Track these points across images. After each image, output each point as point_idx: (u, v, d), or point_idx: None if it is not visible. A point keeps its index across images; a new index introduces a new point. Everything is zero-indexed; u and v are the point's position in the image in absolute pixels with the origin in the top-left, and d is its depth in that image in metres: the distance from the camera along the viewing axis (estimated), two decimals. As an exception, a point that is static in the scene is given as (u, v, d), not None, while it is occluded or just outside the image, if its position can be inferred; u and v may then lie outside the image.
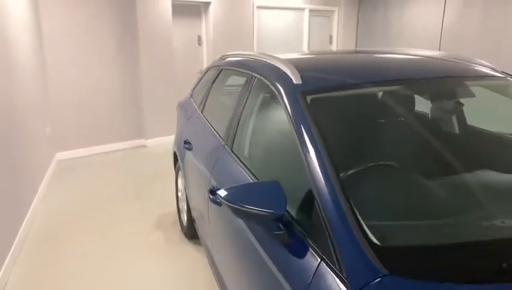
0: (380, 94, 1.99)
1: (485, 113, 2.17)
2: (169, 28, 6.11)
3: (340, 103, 1.87)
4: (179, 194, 3.57)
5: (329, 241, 1.20)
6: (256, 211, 1.36)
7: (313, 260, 1.25)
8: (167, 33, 6.09)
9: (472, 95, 2.08)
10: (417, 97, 2.07)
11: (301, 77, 1.80)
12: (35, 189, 4.05)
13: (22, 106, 3.80)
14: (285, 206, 1.35)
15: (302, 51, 7.85)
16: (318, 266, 1.21)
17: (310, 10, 8.01)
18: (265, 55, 2.22)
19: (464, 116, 2.14)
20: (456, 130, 2.05)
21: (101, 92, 5.75)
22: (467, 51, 7.00)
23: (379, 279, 1.05)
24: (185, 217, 3.35)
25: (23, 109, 3.83)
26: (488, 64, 2.23)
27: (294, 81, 1.78)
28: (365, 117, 1.93)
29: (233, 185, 1.49)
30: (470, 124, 2.13)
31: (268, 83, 1.96)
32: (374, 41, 8.44)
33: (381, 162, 1.58)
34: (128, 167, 5.24)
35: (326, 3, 8.22)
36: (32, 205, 3.80)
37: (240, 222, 1.74)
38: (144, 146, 6.20)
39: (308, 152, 1.45)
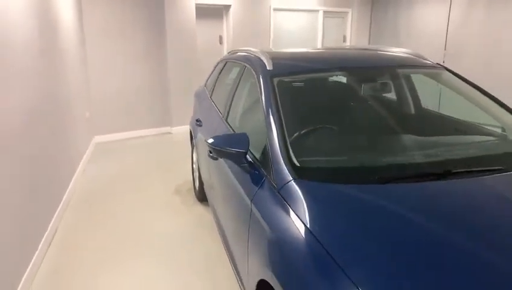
0: (329, 78, 2.67)
1: (422, 92, 2.83)
2: (193, 28, 6.89)
3: (297, 83, 2.56)
4: (194, 166, 4.31)
5: (270, 167, 1.89)
6: (230, 151, 2.06)
7: (261, 177, 1.94)
8: (191, 33, 6.87)
9: (406, 79, 2.74)
10: (361, 81, 2.72)
11: (273, 65, 2.49)
12: (77, 162, 4.89)
13: (67, 93, 4.64)
14: (248, 147, 2.04)
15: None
16: (263, 180, 1.90)
17: (324, 12, 8.61)
18: (254, 50, 2.91)
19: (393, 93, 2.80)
20: (390, 104, 2.69)
21: (134, 85, 6.59)
22: (470, 49, 7.45)
23: (291, 181, 1.73)
24: (197, 184, 4.09)
25: (68, 95, 4.67)
26: (429, 59, 2.84)
27: (268, 68, 2.47)
28: (315, 94, 2.61)
29: (217, 135, 2.20)
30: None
31: (252, 70, 2.65)
32: (385, 41, 8.95)
33: (320, 125, 2.26)
34: (155, 150, 6.05)
35: (340, 5, 8.80)
36: (75, 175, 4.64)
37: (225, 166, 2.45)
38: (169, 133, 7.01)
39: (269, 115, 2.13)
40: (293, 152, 1.90)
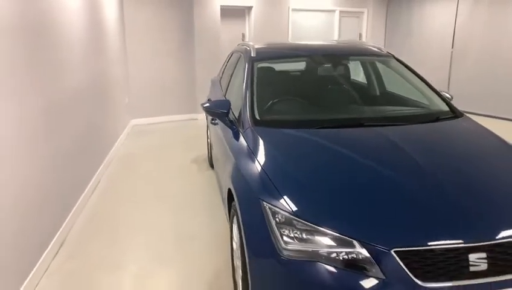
0: (301, 63, 3.52)
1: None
2: (218, 27, 7.84)
3: (273, 67, 3.43)
4: (208, 140, 5.24)
5: (241, 120, 2.77)
6: (217, 111, 2.95)
7: (236, 128, 2.82)
8: (216, 31, 7.83)
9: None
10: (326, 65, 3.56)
11: (256, 53, 3.36)
12: (117, 135, 5.96)
13: (108, 80, 5.70)
14: (229, 108, 2.93)
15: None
16: (238, 133, 2.78)
17: (341, 11, 9.33)
18: (248, 44, 3.78)
19: (349, 74, 3.60)
20: (343, 83, 3.51)
21: (166, 76, 7.62)
22: (476, 45, 7.99)
23: (250, 127, 2.60)
24: (209, 154, 5.02)
25: (109, 82, 5.73)
26: (382, 48, 3.62)
27: (252, 55, 3.35)
28: (283, 74, 3.47)
29: (209, 101, 3.11)
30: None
31: (243, 57, 3.54)
32: (400, 39, 9.54)
33: (281, 95, 3.12)
34: (181, 132, 7.06)
35: (356, 5, 9.48)
36: (115, 144, 5.69)
37: (219, 129, 3.36)
38: (195, 119, 8.01)
39: (245, 87, 3.00)
40: (256, 110, 2.78)
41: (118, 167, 5.15)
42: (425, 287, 1.67)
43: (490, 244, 1.74)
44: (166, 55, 7.57)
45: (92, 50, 4.64)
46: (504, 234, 1.78)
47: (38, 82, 2.91)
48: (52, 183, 3.13)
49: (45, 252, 2.89)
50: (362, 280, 1.71)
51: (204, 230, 3.45)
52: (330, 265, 1.75)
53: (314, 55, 3.46)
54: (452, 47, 8.43)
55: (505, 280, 1.72)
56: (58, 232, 3.20)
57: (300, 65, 3.64)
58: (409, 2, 9.28)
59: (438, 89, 3.20)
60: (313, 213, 1.86)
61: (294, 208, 1.88)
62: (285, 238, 1.84)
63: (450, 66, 8.52)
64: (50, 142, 3.11)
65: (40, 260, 2.80)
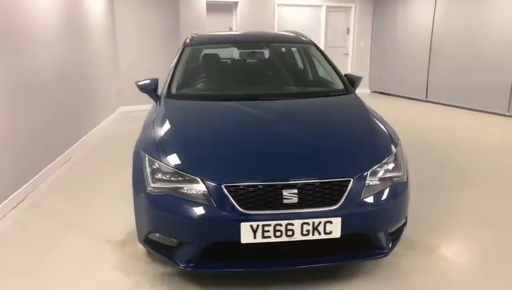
0: (231, 49, 4.03)
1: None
2: (204, 21, 8.37)
3: (202, 51, 3.94)
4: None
5: (161, 94, 3.29)
6: (147, 88, 3.45)
7: (157, 104, 3.35)
8: (201, 25, 8.36)
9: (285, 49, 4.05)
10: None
11: (191, 40, 3.88)
12: (100, 119, 6.58)
13: (93, 69, 6.32)
14: (156, 85, 3.44)
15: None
16: (156, 105, 3.30)
17: (327, 7, 9.70)
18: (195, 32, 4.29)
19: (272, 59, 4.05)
20: (262, 66, 3.98)
21: (154, 67, 8.21)
22: (452, 40, 8.27)
23: (165, 98, 3.13)
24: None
25: (94, 71, 6.35)
26: (306, 36, 4.07)
27: (188, 41, 3.86)
28: (212, 57, 3.98)
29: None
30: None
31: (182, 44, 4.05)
32: (386, 33, 9.86)
33: (208, 76, 3.63)
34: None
35: (344, 0, 9.82)
36: (96, 127, 6.31)
37: None
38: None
39: (172, 68, 3.52)
40: (174, 86, 3.31)
41: (95, 147, 5.76)
42: (247, 214, 2.16)
43: (300, 182, 2.22)
44: (154, 47, 8.16)
45: (68, 40, 5.25)
46: (312, 175, 2.26)
47: (3, 63, 3.51)
48: (17, 147, 3.73)
49: (3, 203, 3.50)
50: (200, 207, 2.21)
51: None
52: (179, 197, 2.26)
53: (240, 41, 3.96)
54: (431, 41, 8.71)
55: (311, 212, 2.20)
56: (20, 189, 3.79)
57: (230, 51, 4.15)
58: (393, -2, 9.58)
59: (347, 72, 3.70)
60: (174, 159, 2.38)
61: (163, 156, 2.41)
62: (154, 179, 2.36)
63: (429, 59, 8.80)
64: (19, 114, 3.72)
65: (-3, 208, 3.41)
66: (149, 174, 2.38)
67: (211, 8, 8.63)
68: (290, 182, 2.21)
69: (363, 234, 2.33)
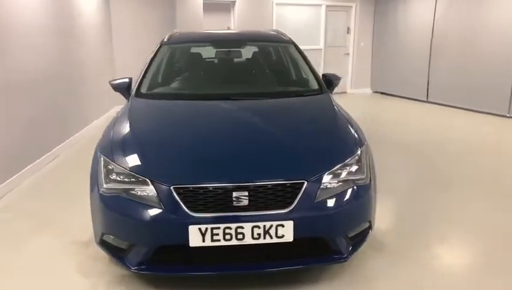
0: (208, 48, 3.98)
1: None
2: (200, 20, 8.34)
3: (177, 49, 3.89)
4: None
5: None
6: (120, 87, 3.42)
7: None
8: (198, 24, 8.34)
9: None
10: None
11: (168, 38, 3.84)
12: (92, 118, 6.60)
13: (84, 70, 6.34)
14: (130, 85, 3.39)
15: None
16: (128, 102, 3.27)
17: (327, 6, 9.59)
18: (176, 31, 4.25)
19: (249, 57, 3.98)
20: (238, 65, 3.92)
21: (150, 66, 8.23)
22: (452, 39, 8.11)
23: (132, 98, 3.09)
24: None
25: (86, 71, 6.36)
26: (287, 36, 4.00)
27: (165, 40, 3.82)
28: (188, 56, 3.93)
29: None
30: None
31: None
32: (387, 32, 9.70)
33: (182, 74, 3.58)
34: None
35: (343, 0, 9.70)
36: (86, 128, 6.32)
37: None
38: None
39: (145, 66, 3.48)
40: (145, 84, 3.28)
41: (83, 146, 5.74)
42: (195, 217, 2.11)
43: (252, 185, 2.15)
44: (150, 47, 8.10)
45: (57, 40, 5.26)
46: (264, 177, 2.19)
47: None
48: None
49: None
50: (149, 209, 2.16)
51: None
52: (130, 199, 2.22)
53: (216, 40, 3.91)
54: (431, 41, 8.55)
55: (262, 215, 2.13)
56: (-1, 187, 3.80)
57: (207, 49, 4.09)
58: (394, -3, 9.42)
59: (328, 72, 3.65)
60: (127, 160, 2.33)
61: (116, 157, 2.37)
62: (108, 180, 2.32)
63: (430, 59, 8.64)
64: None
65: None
66: (103, 175, 2.35)
67: (208, 7, 8.60)
68: (241, 184, 2.15)
69: (319, 238, 2.26)
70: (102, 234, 2.37)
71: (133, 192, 2.22)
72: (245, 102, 3.02)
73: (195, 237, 2.10)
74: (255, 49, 4.04)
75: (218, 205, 2.13)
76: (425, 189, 3.98)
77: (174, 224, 2.13)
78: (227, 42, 3.91)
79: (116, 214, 2.24)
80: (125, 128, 2.64)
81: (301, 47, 8.60)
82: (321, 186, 2.23)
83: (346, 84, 10.38)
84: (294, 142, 2.49)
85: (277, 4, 9.10)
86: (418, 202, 3.67)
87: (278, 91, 3.37)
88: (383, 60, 9.99)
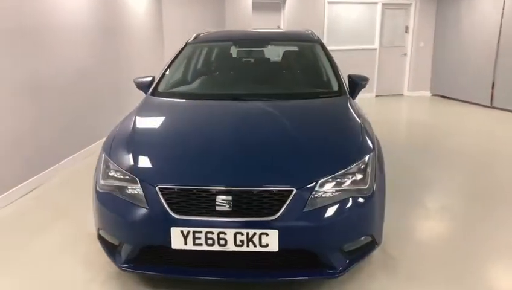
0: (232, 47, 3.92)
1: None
2: (249, 19, 8.34)
3: (202, 49, 3.87)
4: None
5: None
6: (141, 85, 3.46)
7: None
8: (247, 23, 8.34)
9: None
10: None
11: (194, 38, 3.84)
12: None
13: (136, 69, 6.59)
14: (152, 82, 3.41)
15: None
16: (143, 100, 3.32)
17: (384, 4, 9.14)
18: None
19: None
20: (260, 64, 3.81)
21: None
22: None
23: (147, 97, 3.12)
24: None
25: (138, 70, 6.61)
26: (315, 35, 3.84)
27: (190, 40, 3.84)
28: (210, 56, 3.89)
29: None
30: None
31: None
32: (449, 32, 9.04)
33: (202, 74, 3.56)
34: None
35: (402, -3, 9.19)
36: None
37: None
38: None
39: (167, 65, 3.50)
40: (162, 84, 3.29)
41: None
42: (178, 219, 2.06)
43: (236, 189, 2.06)
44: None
45: (101, 39, 5.51)
46: (249, 182, 2.09)
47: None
48: (37, 138, 3.99)
49: (15, 188, 3.75)
50: (135, 208, 2.16)
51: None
52: (120, 196, 2.23)
53: (240, 40, 3.84)
54: (498, 42, 7.82)
55: (245, 221, 2.03)
56: (27, 181, 4.00)
57: (230, 49, 4.03)
58: (458, -7, 8.75)
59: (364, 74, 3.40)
60: (121, 158, 2.35)
61: (114, 155, 2.40)
62: (106, 177, 2.35)
63: (495, 61, 7.90)
64: (42, 107, 3.99)
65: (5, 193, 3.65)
66: (102, 172, 2.38)
67: (258, 7, 8.58)
68: (224, 188, 2.07)
69: (308, 250, 2.12)
70: (98, 229, 2.41)
71: (124, 190, 2.23)
72: (254, 103, 2.93)
73: (177, 239, 2.06)
74: (279, 48, 3.93)
75: (201, 208, 2.07)
76: (487, 209, 3.48)
77: (157, 225, 2.10)
78: (251, 42, 3.84)
79: (107, 210, 2.26)
80: (129, 126, 2.66)
81: (353, 47, 8.59)
82: (312, 195, 2.08)
83: (402, 86, 9.86)
84: (291, 147, 2.36)
85: (329, 2, 8.84)
86: (472, 222, 3.26)
87: (292, 93, 3.21)
88: (444, 61, 9.33)
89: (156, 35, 7.63)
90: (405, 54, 9.65)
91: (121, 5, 6.07)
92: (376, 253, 2.54)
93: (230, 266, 2.17)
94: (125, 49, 6.29)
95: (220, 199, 2.05)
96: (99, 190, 2.32)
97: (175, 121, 2.72)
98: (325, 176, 2.13)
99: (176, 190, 2.10)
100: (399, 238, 2.93)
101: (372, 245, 2.31)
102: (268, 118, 2.75)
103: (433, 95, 9.79)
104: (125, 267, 2.24)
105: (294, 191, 2.05)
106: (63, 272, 2.65)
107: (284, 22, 8.83)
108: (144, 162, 2.30)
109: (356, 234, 2.21)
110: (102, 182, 2.34)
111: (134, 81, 3.55)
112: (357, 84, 3.29)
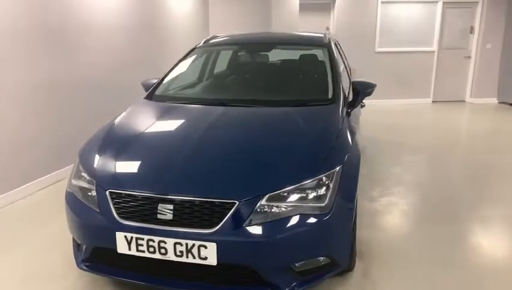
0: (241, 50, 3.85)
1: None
2: (296, 21, 8.19)
3: (207, 53, 3.85)
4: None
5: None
6: (147, 86, 3.56)
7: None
8: (293, 24, 8.20)
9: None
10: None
11: (205, 41, 3.85)
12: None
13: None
14: (155, 85, 3.49)
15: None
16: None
17: (445, 2, 8.47)
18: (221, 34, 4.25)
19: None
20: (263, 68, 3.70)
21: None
22: None
23: (141, 100, 3.19)
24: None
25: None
26: (327, 38, 3.65)
27: (201, 43, 3.85)
28: (214, 60, 3.84)
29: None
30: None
31: None
32: (520, 32, 8.16)
33: (204, 77, 3.55)
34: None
35: (467, -4, 8.46)
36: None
37: None
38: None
39: (170, 68, 3.55)
40: (161, 88, 3.33)
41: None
42: (121, 224, 2.07)
43: (177, 198, 2.01)
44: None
45: (140, 39, 5.74)
46: (191, 192, 2.03)
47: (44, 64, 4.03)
48: (69, 131, 4.28)
49: (33, 181, 4.04)
50: (87, 209, 2.20)
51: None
52: (78, 197, 2.29)
53: (245, 44, 3.76)
54: None
55: (185, 232, 1.98)
56: (48, 175, 4.26)
57: (234, 54, 3.94)
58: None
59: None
60: (86, 160, 2.41)
61: (82, 156, 2.47)
62: (73, 178, 2.43)
63: None
64: (83, 100, 4.27)
65: (25, 185, 3.95)
66: (73, 173, 2.47)
67: (305, 8, 8.41)
68: (165, 197, 2.03)
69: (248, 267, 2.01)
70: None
71: (83, 192, 2.28)
72: (234, 109, 2.83)
73: (122, 244, 2.06)
74: (284, 53, 3.81)
75: (144, 215, 2.05)
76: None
77: (104, 228, 2.12)
78: (257, 46, 3.73)
79: (69, 210, 2.33)
80: (104, 129, 2.70)
81: (409, 49, 8.15)
82: (257, 209, 1.97)
83: (464, 91, 9.08)
84: (248, 158, 2.24)
85: (383, 2, 8.39)
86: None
87: (279, 100, 3.04)
88: (514, 65, 8.43)
89: (201, 34, 7.80)
90: (469, 57, 8.88)
91: (164, 5, 6.28)
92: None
93: (172, 276, 2.13)
94: (168, 47, 6.50)
95: (161, 207, 2.02)
96: (68, 190, 2.41)
97: (146, 126, 2.70)
98: (273, 190, 2.01)
99: (123, 195, 2.11)
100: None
101: (331, 267, 2.14)
102: (238, 126, 2.66)
103: (499, 103, 8.89)
104: (83, 266, 2.30)
105: (237, 203, 1.96)
106: (59, 261, 2.78)
107: (332, 23, 8.56)
108: (102, 166, 2.32)
109: (308, 253, 2.05)
110: (71, 182, 2.42)
111: (142, 84, 3.64)
112: (359, 91, 3.08)
